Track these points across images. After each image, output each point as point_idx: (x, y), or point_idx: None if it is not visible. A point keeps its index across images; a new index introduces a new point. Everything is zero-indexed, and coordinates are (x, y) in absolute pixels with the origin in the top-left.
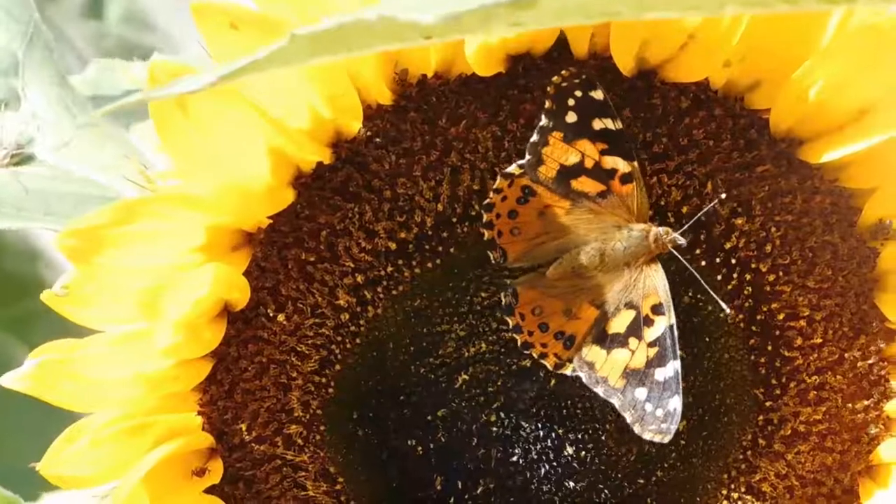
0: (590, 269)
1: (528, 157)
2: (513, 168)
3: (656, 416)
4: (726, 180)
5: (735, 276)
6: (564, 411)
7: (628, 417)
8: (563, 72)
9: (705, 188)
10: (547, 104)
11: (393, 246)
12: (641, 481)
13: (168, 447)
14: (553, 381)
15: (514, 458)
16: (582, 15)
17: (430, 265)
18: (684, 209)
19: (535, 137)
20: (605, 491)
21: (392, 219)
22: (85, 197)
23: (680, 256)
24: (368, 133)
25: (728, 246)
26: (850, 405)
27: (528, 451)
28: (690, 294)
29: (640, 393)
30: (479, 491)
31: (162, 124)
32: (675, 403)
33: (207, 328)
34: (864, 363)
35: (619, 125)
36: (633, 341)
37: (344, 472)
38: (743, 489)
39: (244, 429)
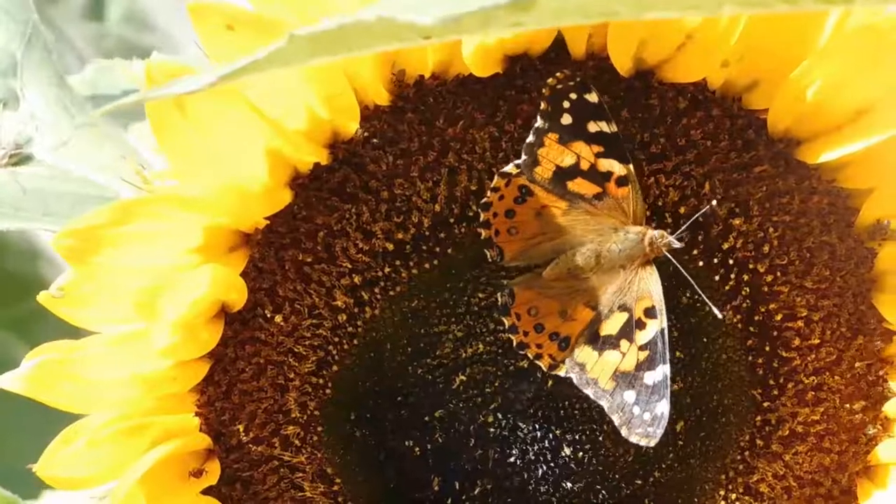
0: (585, 270)
1: (524, 157)
2: (510, 168)
3: (644, 419)
4: (724, 181)
5: (733, 276)
6: (562, 412)
7: (616, 420)
8: (558, 74)
9: (703, 189)
10: (542, 106)
11: (390, 247)
12: (639, 482)
13: (165, 448)
14: (550, 382)
15: (512, 459)
16: (581, 15)
17: (427, 266)
18: (682, 210)
19: (531, 138)
20: (603, 492)
21: (389, 219)
22: (83, 197)
23: (674, 261)
24: (366, 134)
25: (726, 246)
26: (847, 406)
27: (525, 452)
28: (688, 295)
29: (629, 396)
30: (476, 492)
31: (159, 125)
32: (663, 408)
33: (205, 329)
34: (862, 364)
35: (614, 128)
36: (624, 344)
37: (341, 473)
38: (741, 490)
39: (241, 430)
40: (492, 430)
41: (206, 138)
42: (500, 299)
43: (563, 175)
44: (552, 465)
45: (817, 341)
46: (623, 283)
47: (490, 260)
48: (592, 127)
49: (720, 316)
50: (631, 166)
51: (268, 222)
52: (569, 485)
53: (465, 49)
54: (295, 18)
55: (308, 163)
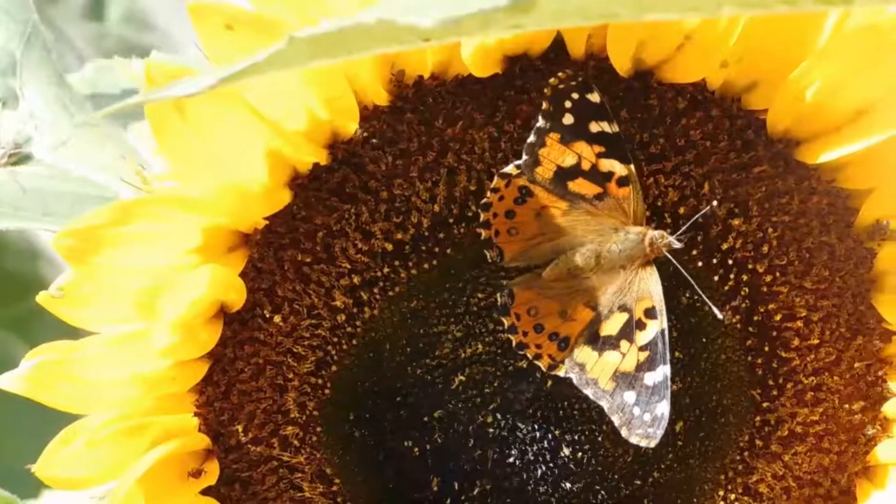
0: (585, 270)
1: (525, 157)
2: (510, 168)
3: (644, 420)
4: (723, 181)
5: (732, 276)
6: (561, 412)
7: (616, 420)
8: (560, 74)
9: (702, 189)
10: (544, 106)
11: (389, 247)
12: (638, 482)
13: (164, 448)
14: (549, 383)
15: (511, 460)
16: (580, 17)
17: (426, 266)
18: (681, 210)
19: (532, 138)
20: (602, 492)
21: (388, 220)
22: (83, 196)
23: (675, 261)
24: (365, 134)
25: (725, 247)
26: (847, 406)
27: (524, 453)
28: (688, 295)
29: (629, 396)
30: (475, 492)
31: (159, 127)
32: (664, 408)
33: (204, 329)
34: (862, 364)
35: (616, 128)
36: (624, 344)
37: (340, 474)
38: (740, 490)
39: (240, 430)
40: (491, 430)
41: (206, 140)
42: (499, 299)
43: (564, 175)
44: (551, 465)
45: (816, 341)
46: (623, 284)
47: (490, 260)
48: (594, 127)
49: (721, 317)
50: (632, 166)
51: (267, 223)
52: (568, 485)
53: (465, 49)
54: (295, 19)
55: (307, 163)
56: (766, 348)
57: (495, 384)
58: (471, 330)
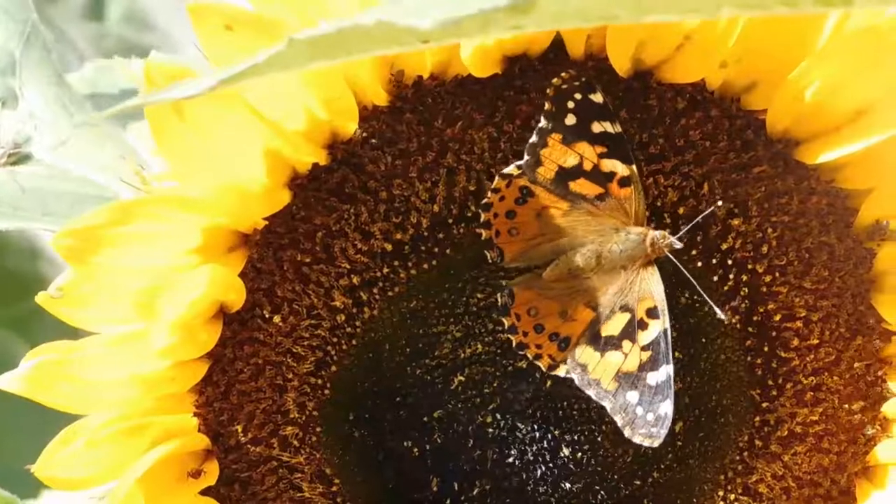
0: (586, 270)
1: (526, 158)
2: (511, 169)
3: (647, 420)
4: (723, 181)
5: (731, 276)
6: (560, 413)
7: (619, 421)
8: (563, 74)
9: (702, 189)
10: (546, 106)
11: (389, 247)
12: (638, 482)
13: (164, 449)
14: (549, 383)
15: (511, 460)
16: (580, 18)
17: (426, 266)
18: (681, 210)
19: (533, 139)
20: (602, 492)
21: (388, 220)
22: (82, 196)
23: (676, 261)
24: (364, 134)
25: (724, 247)
26: (846, 406)
27: (524, 453)
28: (687, 295)
29: (632, 396)
30: (475, 492)
31: (158, 128)
32: (667, 408)
33: (203, 329)
34: (861, 364)
35: (618, 129)
36: (626, 344)
37: (340, 474)
38: (739, 490)
39: (240, 430)
40: (490, 430)
41: (205, 141)
42: (499, 300)
43: (565, 175)
44: (551, 465)
45: (816, 342)
46: (624, 284)
47: (490, 261)
48: (596, 127)
49: (722, 317)
50: (634, 167)
51: (266, 223)
52: (567, 485)
53: (464, 50)
54: (294, 19)
55: (307, 163)
56: (766, 348)
57: (495, 384)
58: (470, 330)
